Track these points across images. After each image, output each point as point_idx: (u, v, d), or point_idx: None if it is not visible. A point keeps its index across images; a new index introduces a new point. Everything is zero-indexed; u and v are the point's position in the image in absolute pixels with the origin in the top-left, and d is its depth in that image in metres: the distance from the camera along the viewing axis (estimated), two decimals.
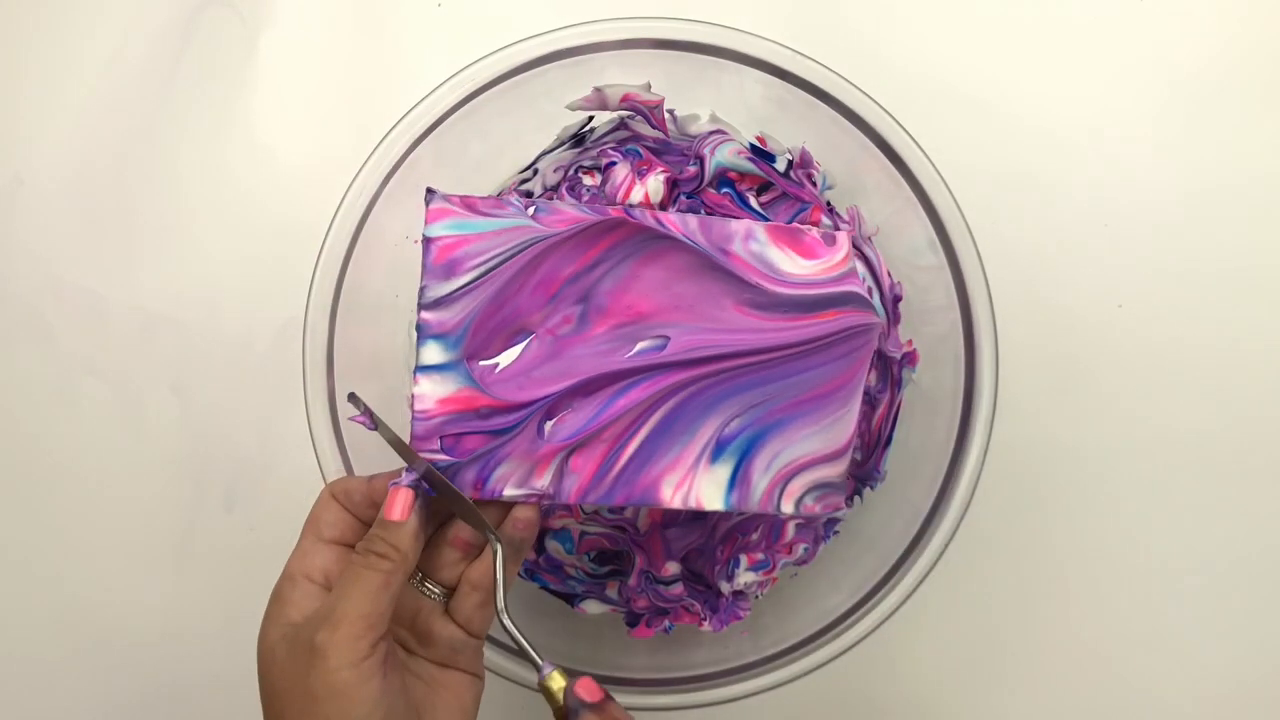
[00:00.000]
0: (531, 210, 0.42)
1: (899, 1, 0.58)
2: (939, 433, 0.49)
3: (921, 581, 0.47)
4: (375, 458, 0.47)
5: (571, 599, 0.52)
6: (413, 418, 0.42)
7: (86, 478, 0.58)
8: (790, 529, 0.51)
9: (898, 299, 0.51)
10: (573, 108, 0.50)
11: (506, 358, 0.43)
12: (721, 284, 0.44)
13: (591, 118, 0.51)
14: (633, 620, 0.52)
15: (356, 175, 0.47)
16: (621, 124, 0.51)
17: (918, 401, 0.51)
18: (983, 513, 0.48)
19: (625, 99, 0.49)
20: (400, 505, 0.39)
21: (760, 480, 0.44)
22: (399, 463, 0.42)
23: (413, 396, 0.42)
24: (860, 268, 0.50)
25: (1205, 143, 0.57)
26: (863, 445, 0.51)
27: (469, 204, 0.42)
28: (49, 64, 0.58)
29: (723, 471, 0.44)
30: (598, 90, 0.49)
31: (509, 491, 0.42)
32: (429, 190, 0.42)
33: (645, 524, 0.51)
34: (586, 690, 0.38)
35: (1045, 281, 0.57)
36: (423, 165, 0.48)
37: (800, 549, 0.51)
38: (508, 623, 0.39)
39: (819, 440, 0.45)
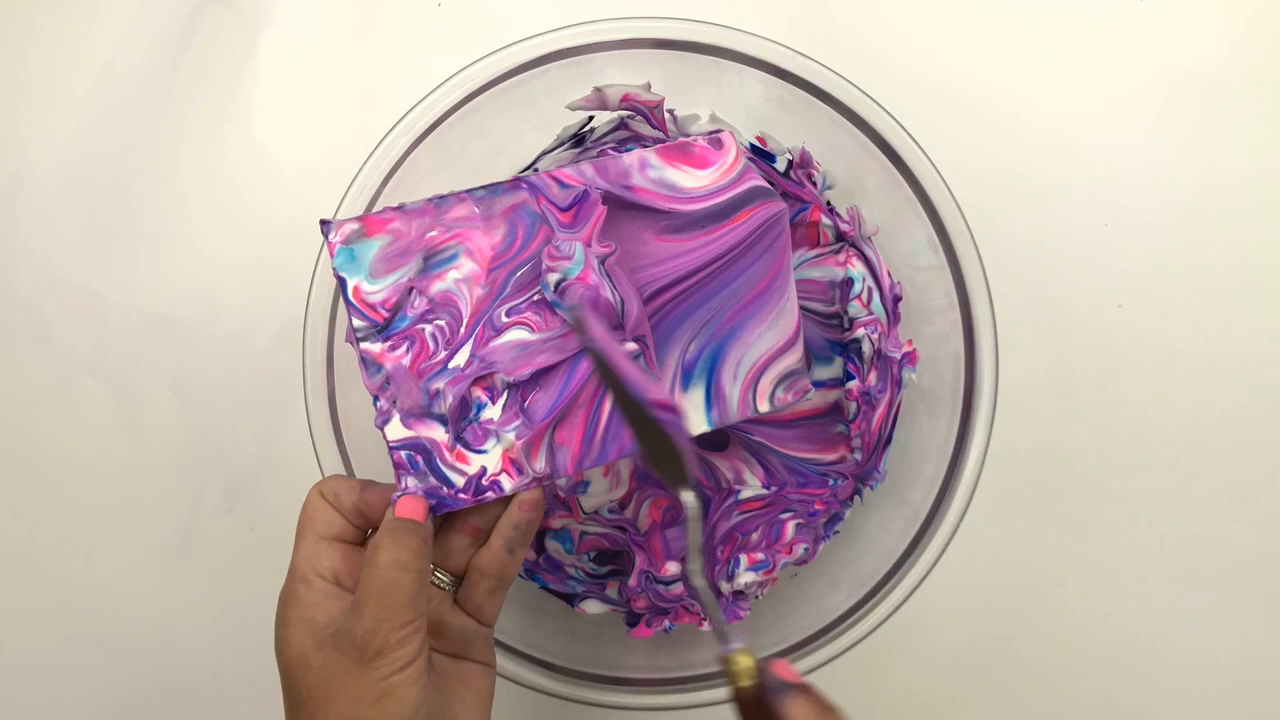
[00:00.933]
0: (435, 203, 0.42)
1: (900, 2, 0.58)
2: (939, 433, 0.49)
3: (921, 581, 0.47)
4: (375, 458, 0.47)
5: (571, 599, 0.52)
6: (389, 448, 0.41)
7: (86, 478, 0.58)
8: (790, 529, 0.51)
9: (898, 299, 0.51)
10: (573, 108, 0.50)
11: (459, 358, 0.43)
12: (637, 219, 0.44)
13: (591, 118, 0.51)
14: (633, 620, 0.52)
15: (356, 175, 0.47)
16: (621, 124, 0.51)
17: (918, 401, 0.51)
18: (983, 513, 0.48)
19: (625, 99, 0.49)
20: (418, 509, 0.40)
21: (732, 390, 0.45)
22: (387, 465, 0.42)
23: (383, 427, 0.42)
24: (860, 267, 0.51)
25: (1205, 142, 0.57)
26: (863, 445, 0.51)
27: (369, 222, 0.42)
28: (49, 64, 0.58)
29: (697, 395, 0.45)
30: (598, 90, 0.49)
31: (508, 484, 0.42)
32: (323, 222, 0.41)
33: (645, 524, 0.51)
34: (786, 672, 0.36)
35: (1045, 281, 0.57)
36: (423, 165, 0.48)
37: (800, 549, 0.51)
38: (700, 583, 0.39)
39: (771, 335, 0.46)
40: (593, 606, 0.52)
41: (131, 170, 0.58)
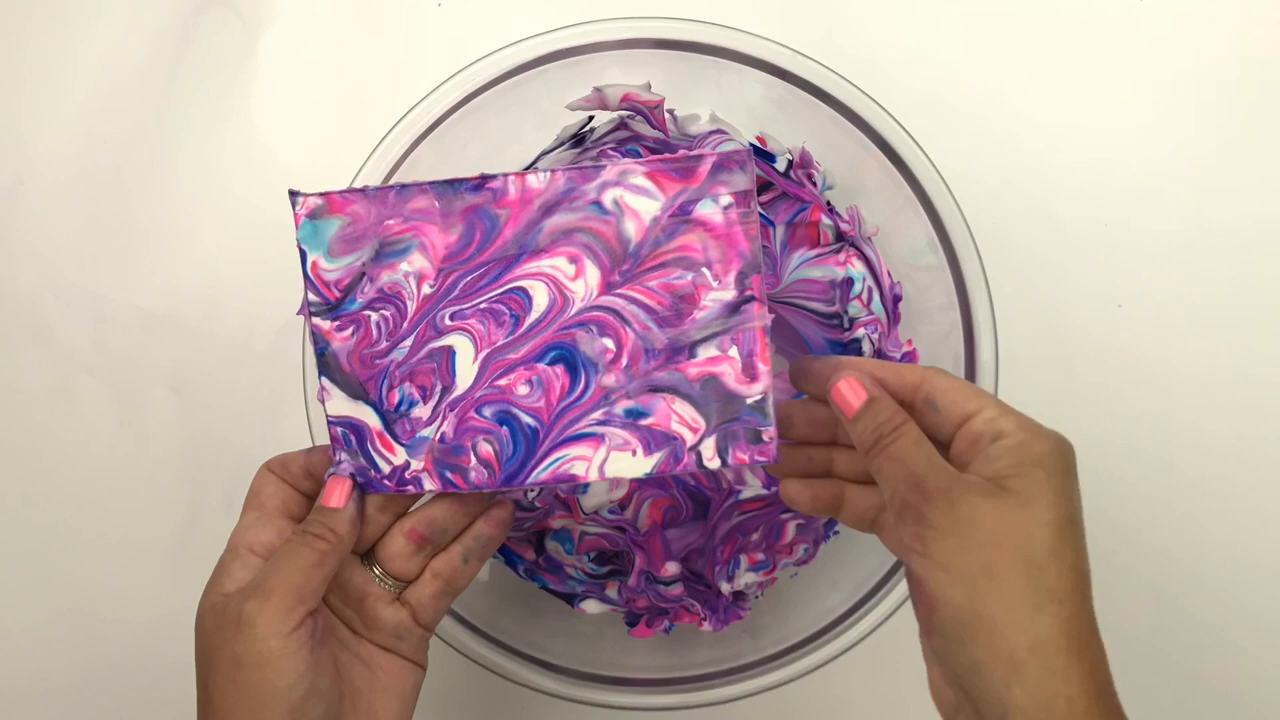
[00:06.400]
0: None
1: (900, 1, 0.58)
2: None
3: None
4: None
5: (571, 599, 0.52)
6: (328, 422, 0.42)
7: (86, 477, 0.58)
8: (791, 529, 0.51)
9: (898, 299, 0.51)
10: (573, 108, 0.50)
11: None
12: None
13: (591, 118, 0.51)
14: (633, 620, 0.52)
15: (356, 175, 0.47)
16: (621, 124, 0.51)
17: None
18: None
19: (625, 99, 0.49)
20: (338, 493, 0.40)
21: None
22: None
23: (324, 402, 0.42)
24: (860, 268, 0.51)
25: (1206, 142, 0.57)
26: None
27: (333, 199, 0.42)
28: (49, 64, 0.58)
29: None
30: (598, 90, 0.49)
31: (428, 483, 0.42)
32: (291, 192, 0.41)
33: (645, 524, 0.51)
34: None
35: (1045, 281, 0.57)
36: (423, 165, 0.48)
37: (800, 549, 0.51)
38: None
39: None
40: (593, 606, 0.52)
41: (131, 170, 0.58)
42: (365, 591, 0.42)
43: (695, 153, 0.40)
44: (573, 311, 0.41)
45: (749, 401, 0.40)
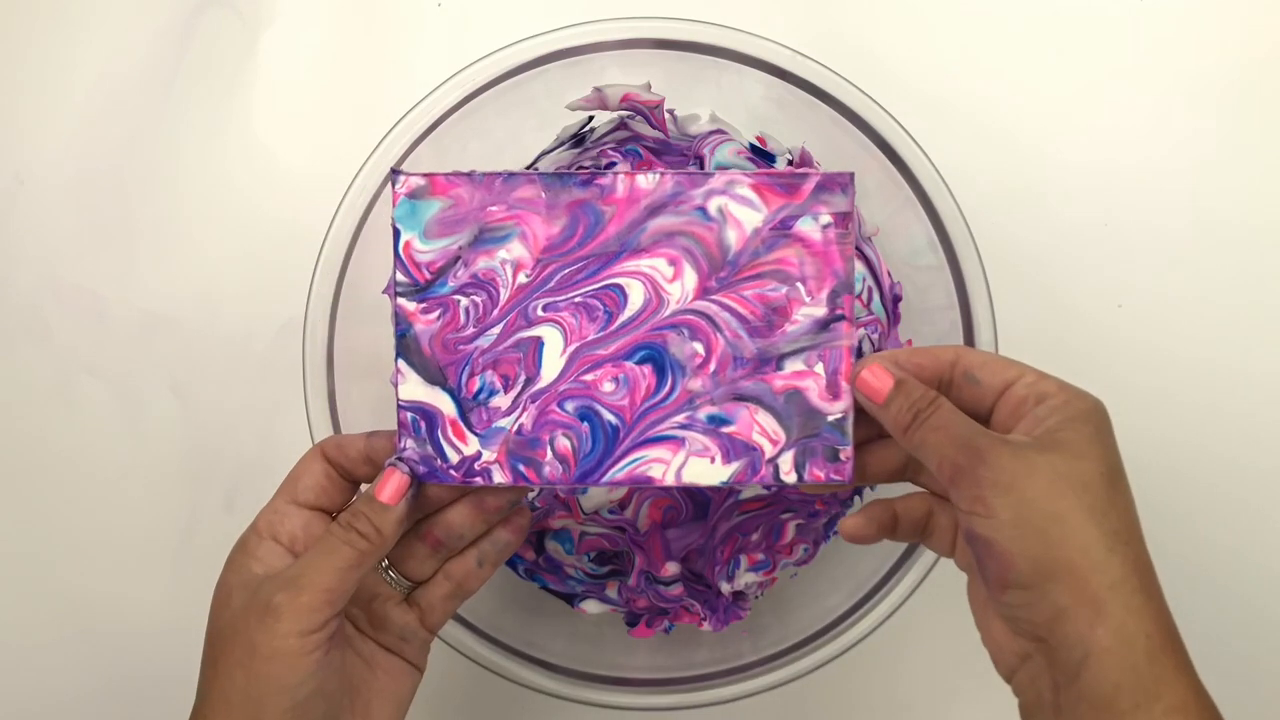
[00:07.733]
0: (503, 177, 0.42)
1: (900, 2, 0.58)
2: None
3: (921, 581, 0.47)
4: None
5: (571, 599, 0.52)
6: (398, 406, 0.41)
7: (86, 478, 0.58)
8: (790, 529, 0.51)
9: (898, 299, 0.51)
10: (573, 108, 0.50)
11: None
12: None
13: (591, 118, 0.51)
14: (633, 620, 0.52)
15: (356, 175, 0.47)
16: (621, 124, 0.51)
17: None
18: None
19: (625, 99, 0.49)
20: (392, 488, 0.39)
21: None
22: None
23: (397, 385, 0.41)
24: (860, 268, 0.51)
25: (1206, 141, 0.57)
26: None
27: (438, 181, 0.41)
28: (49, 64, 0.58)
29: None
30: (598, 90, 0.49)
31: (498, 475, 0.41)
32: (393, 170, 0.41)
33: (645, 524, 0.51)
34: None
35: (1045, 281, 0.57)
36: (422, 165, 0.48)
37: (800, 549, 0.51)
38: None
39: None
40: (593, 606, 0.52)
41: (131, 170, 0.58)
42: (375, 591, 0.41)
43: (801, 170, 0.41)
44: (667, 313, 0.41)
45: (830, 419, 0.41)
